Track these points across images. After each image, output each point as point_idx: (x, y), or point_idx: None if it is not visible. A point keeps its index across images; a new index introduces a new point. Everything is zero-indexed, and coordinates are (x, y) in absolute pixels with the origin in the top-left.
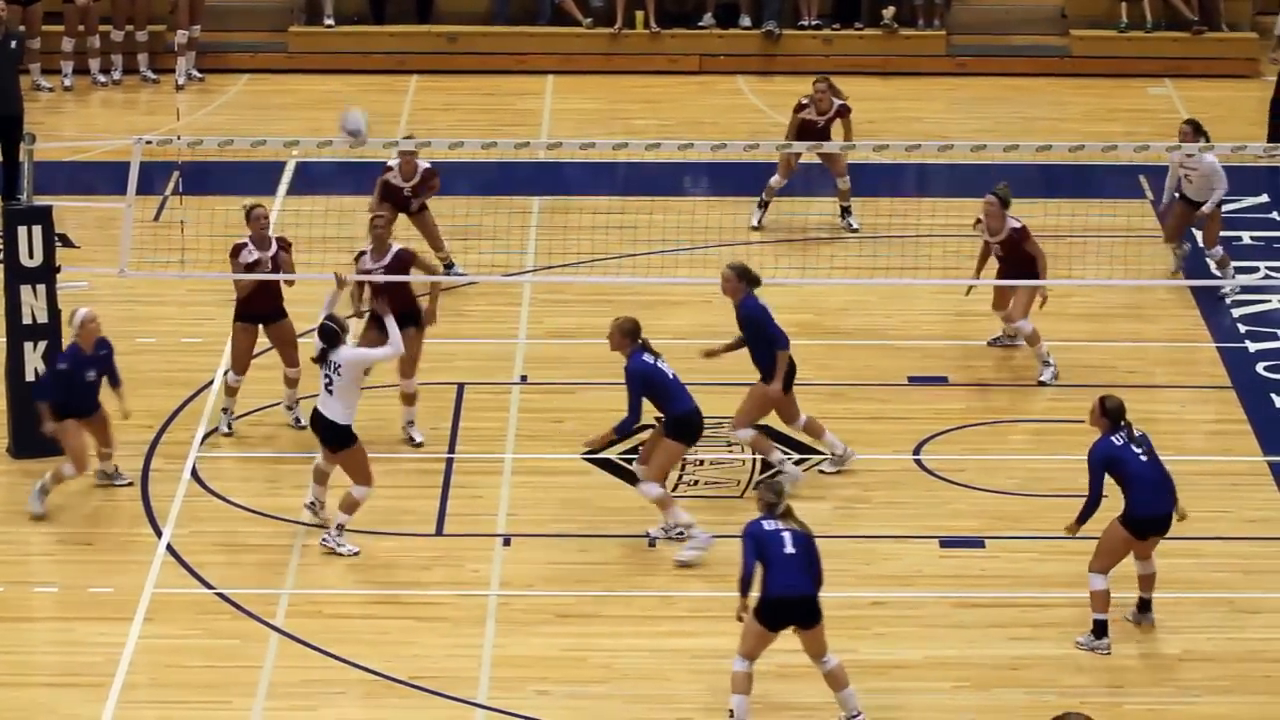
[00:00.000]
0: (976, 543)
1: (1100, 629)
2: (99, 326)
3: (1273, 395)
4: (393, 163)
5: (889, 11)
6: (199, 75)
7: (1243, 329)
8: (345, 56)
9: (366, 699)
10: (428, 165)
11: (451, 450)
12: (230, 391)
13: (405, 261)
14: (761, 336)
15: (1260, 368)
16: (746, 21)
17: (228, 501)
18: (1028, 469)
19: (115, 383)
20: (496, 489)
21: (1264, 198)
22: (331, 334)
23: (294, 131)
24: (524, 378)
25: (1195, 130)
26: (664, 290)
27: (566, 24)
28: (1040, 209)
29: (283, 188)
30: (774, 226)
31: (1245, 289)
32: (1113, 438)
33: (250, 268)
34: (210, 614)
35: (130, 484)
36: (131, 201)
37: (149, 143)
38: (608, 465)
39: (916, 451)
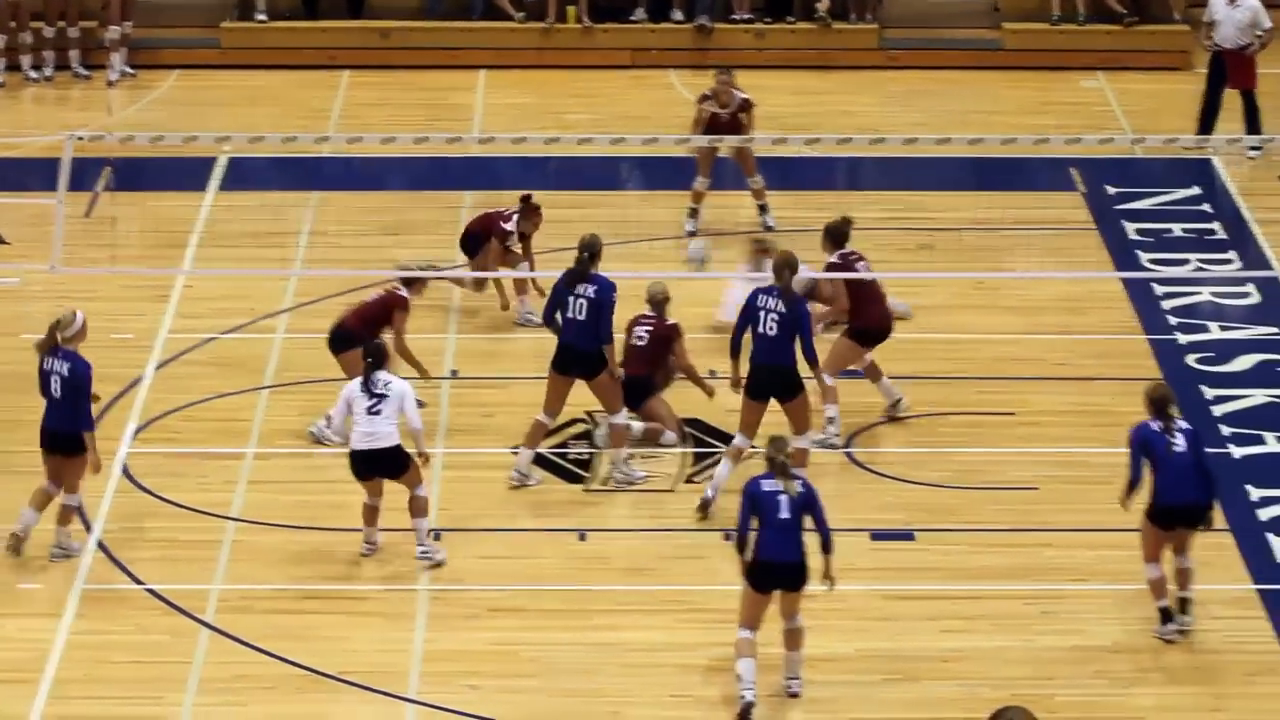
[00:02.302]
0: (907, 535)
1: (1164, 615)
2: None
3: (1202, 387)
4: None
5: (822, 4)
6: (131, 71)
7: (1173, 321)
8: (277, 52)
9: (297, 694)
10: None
11: None
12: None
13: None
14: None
15: (1190, 359)
16: (679, 15)
17: (158, 497)
18: (958, 461)
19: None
20: (427, 483)
21: (1195, 190)
22: (380, 352)
23: (226, 127)
24: (454, 372)
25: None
26: None
27: (499, 19)
28: (971, 201)
29: (214, 183)
30: (705, 221)
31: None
32: (1151, 424)
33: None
34: (141, 610)
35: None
36: (63, 198)
37: (81, 139)
38: (537, 459)
39: (847, 444)
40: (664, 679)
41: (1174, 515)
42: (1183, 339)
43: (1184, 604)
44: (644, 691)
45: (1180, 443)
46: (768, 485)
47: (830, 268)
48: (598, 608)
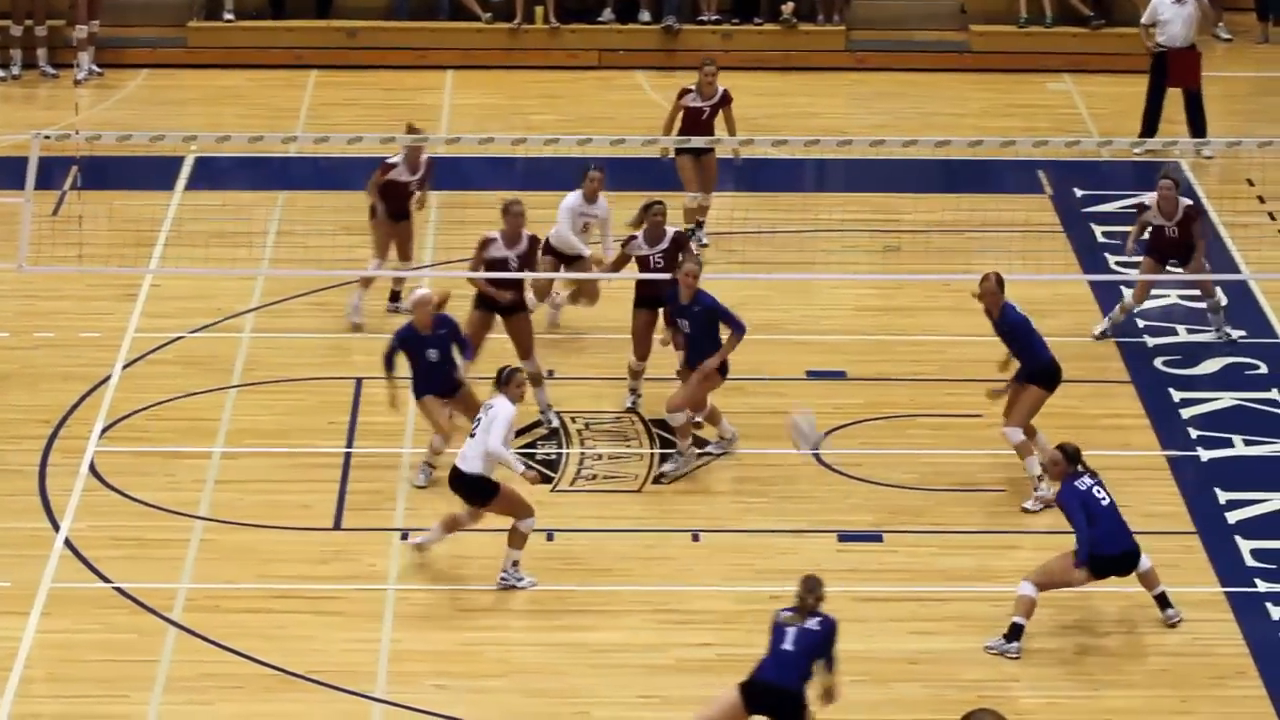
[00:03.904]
0: (875, 537)
1: (1016, 632)
2: (435, 306)
3: (1170, 390)
4: (395, 159)
5: (788, 7)
6: (98, 70)
7: (1141, 324)
8: (244, 51)
9: (264, 693)
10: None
11: (350, 445)
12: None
13: (682, 244)
14: (1025, 343)
15: (1158, 362)
16: (646, 16)
17: (126, 496)
18: (926, 463)
19: (467, 355)
20: (395, 484)
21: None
22: (499, 375)
23: (193, 127)
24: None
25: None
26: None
27: (466, 19)
28: (939, 204)
29: (181, 183)
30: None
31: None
32: (1076, 482)
33: (495, 264)
34: (108, 608)
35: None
36: (30, 196)
37: (48, 138)
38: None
39: (815, 446)
40: (631, 679)
41: (1113, 564)
42: (1151, 341)
43: (1163, 599)
44: (611, 692)
45: (1104, 495)
46: (784, 614)
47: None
48: (565, 608)
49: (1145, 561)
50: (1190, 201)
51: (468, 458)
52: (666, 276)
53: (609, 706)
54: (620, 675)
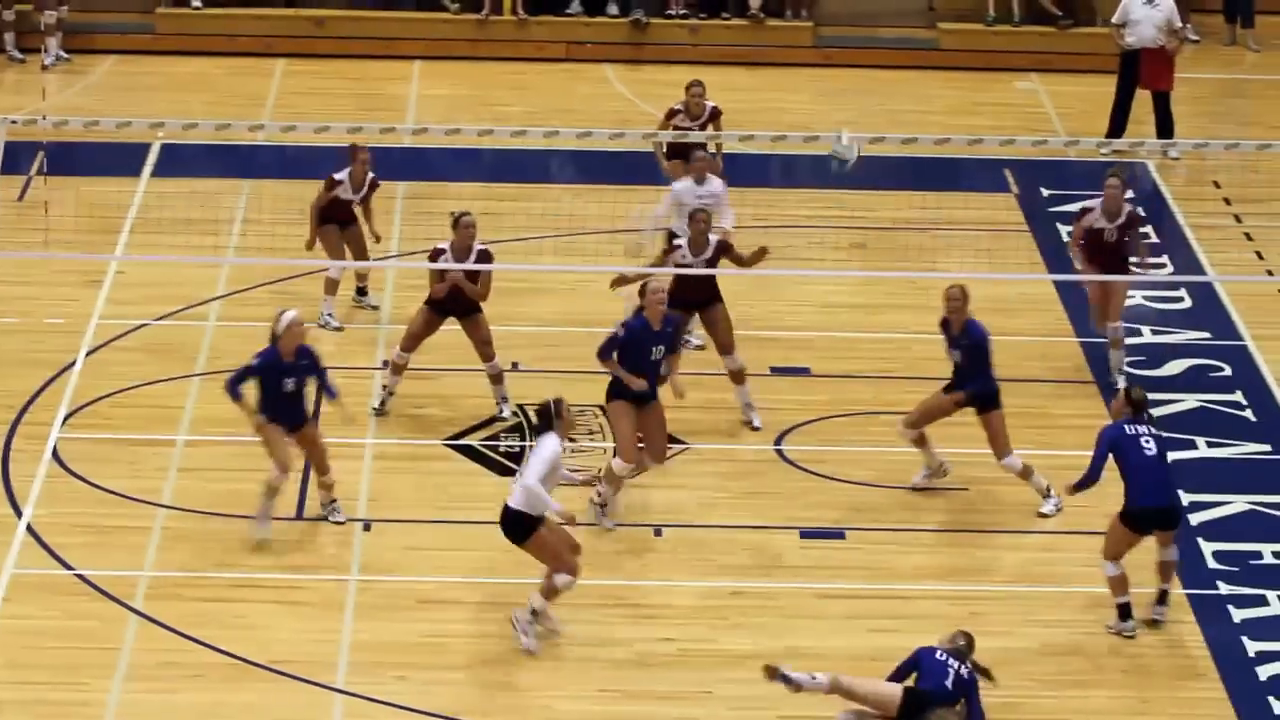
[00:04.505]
0: (837, 534)
1: (1124, 612)
2: (304, 332)
3: None
4: (341, 175)
5: (754, 1)
6: (66, 56)
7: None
8: (212, 39)
9: (225, 683)
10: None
11: None
12: (396, 369)
13: (725, 251)
14: (982, 364)
15: (1123, 364)
16: (614, 9)
17: (88, 483)
18: (888, 460)
19: (330, 393)
20: (357, 474)
21: (1128, 194)
22: (544, 414)
23: (160, 113)
24: (386, 363)
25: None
26: (529, 277)
27: (434, 9)
28: (905, 201)
29: (148, 169)
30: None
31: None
32: (1125, 425)
33: (441, 277)
34: (69, 595)
35: (343, 522)
36: None
37: (14, 122)
38: (468, 451)
39: (778, 442)
40: (594, 673)
41: (1148, 519)
42: None
43: (1163, 596)
44: (573, 685)
45: (1151, 446)
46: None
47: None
48: (526, 600)
49: (1175, 552)
50: (1133, 206)
51: (513, 494)
52: (708, 272)
53: (571, 700)
54: (583, 669)
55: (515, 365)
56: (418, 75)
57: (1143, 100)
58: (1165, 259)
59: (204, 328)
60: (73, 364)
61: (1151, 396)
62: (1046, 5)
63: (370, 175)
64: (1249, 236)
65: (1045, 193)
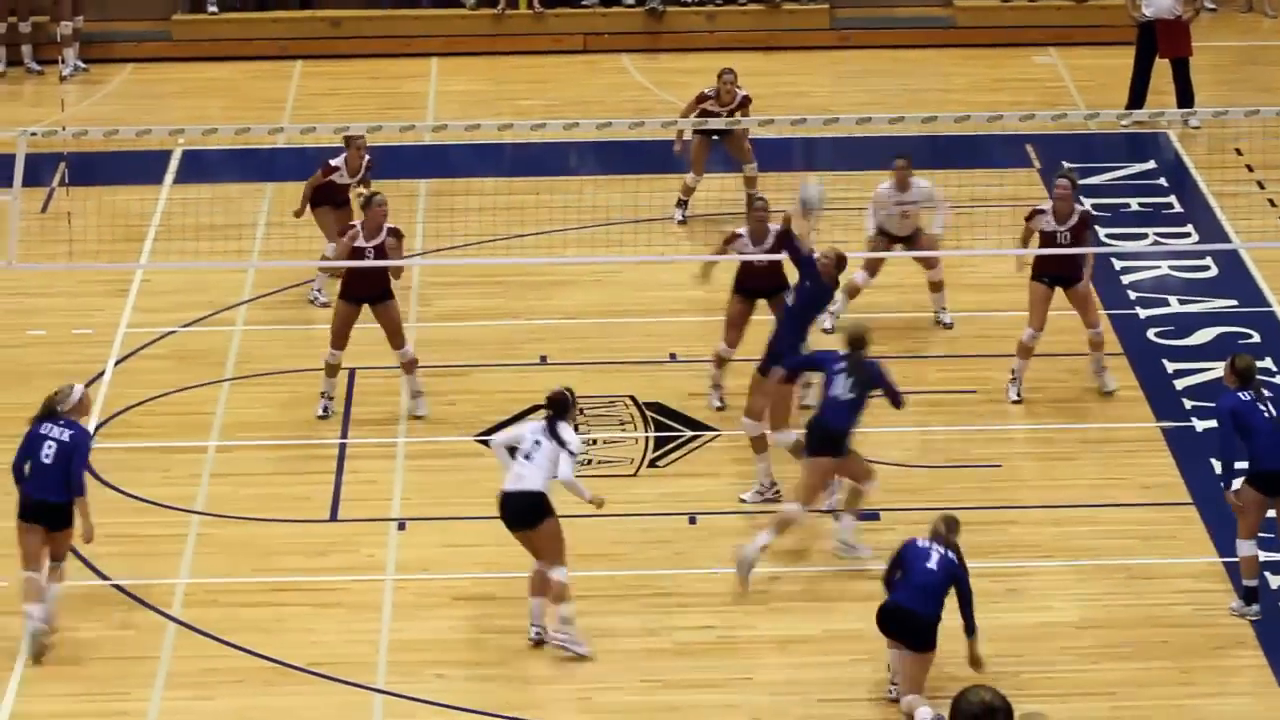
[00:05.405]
0: (872, 515)
1: (1250, 595)
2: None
3: (1164, 361)
4: (337, 161)
5: None
6: (83, 66)
7: (1133, 295)
8: (229, 44)
9: (265, 687)
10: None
11: (344, 436)
12: (331, 370)
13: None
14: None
15: (1151, 334)
16: (630, 0)
17: (122, 492)
18: (921, 440)
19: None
20: (390, 473)
21: (1150, 164)
22: (563, 403)
23: (180, 120)
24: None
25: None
26: (552, 270)
27: (450, 5)
28: (928, 180)
29: (169, 176)
30: (666, 206)
31: (1135, 255)
32: (1240, 394)
33: (354, 253)
34: (107, 605)
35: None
36: (18, 194)
37: (34, 134)
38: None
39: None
40: (632, 663)
41: (1276, 481)
42: (1143, 313)
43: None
44: (614, 677)
45: (1272, 409)
46: (922, 543)
47: None
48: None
49: None
50: (1085, 207)
51: (523, 478)
52: (775, 257)
53: (612, 692)
54: (621, 660)
55: (543, 359)
56: (436, 72)
57: (1161, 70)
58: (1190, 228)
59: (232, 332)
60: (102, 374)
61: (1181, 366)
62: None
63: (366, 158)
64: (1273, 203)
65: (1067, 166)
